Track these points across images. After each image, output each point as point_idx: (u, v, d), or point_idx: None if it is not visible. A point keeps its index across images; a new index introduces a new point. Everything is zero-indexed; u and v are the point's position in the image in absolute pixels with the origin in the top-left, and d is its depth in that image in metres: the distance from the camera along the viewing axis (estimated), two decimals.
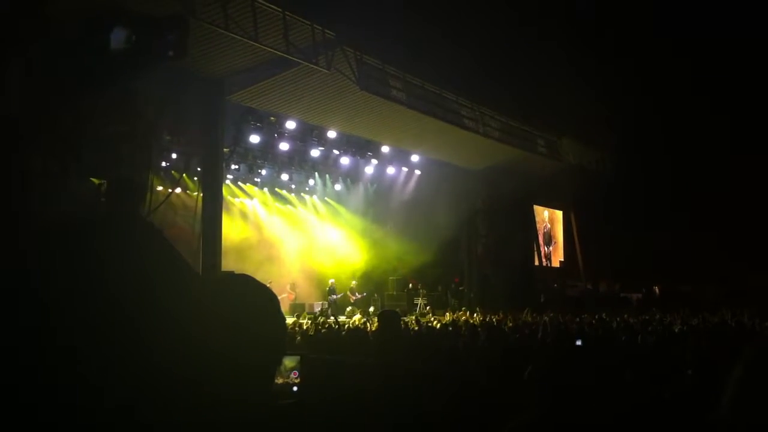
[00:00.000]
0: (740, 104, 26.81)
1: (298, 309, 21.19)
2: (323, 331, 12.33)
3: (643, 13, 25.19)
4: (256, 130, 20.05)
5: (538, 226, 30.42)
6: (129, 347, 1.43)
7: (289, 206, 25.18)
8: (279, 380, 5.49)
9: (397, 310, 11.25)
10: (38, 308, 1.39)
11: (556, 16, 23.76)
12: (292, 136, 21.24)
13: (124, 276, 1.52)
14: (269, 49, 15.10)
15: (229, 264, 18.54)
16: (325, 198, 26.10)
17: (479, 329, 10.85)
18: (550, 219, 31.31)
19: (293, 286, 22.67)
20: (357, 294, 23.86)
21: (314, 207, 26.09)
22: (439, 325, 14.31)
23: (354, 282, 24.20)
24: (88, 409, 1.41)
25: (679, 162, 28.57)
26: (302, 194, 25.76)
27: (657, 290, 28.29)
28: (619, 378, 5.03)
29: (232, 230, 21.10)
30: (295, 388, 5.53)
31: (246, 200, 23.80)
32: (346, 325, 14.40)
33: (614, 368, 5.45)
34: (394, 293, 24.95)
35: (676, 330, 11.45)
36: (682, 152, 28.40)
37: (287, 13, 14.89)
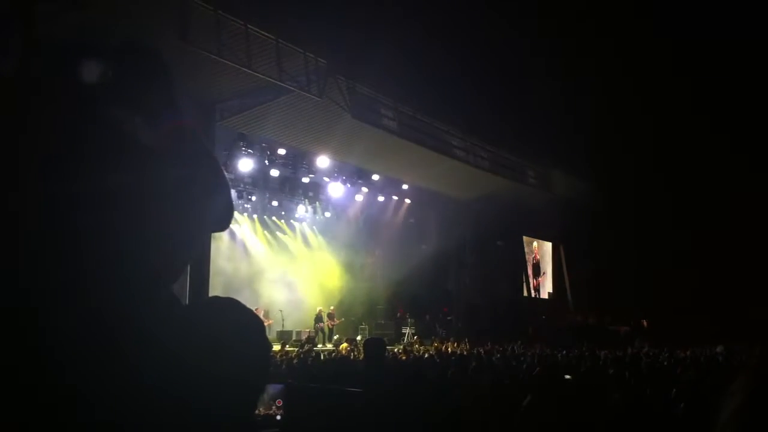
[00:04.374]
0: (738, 133, 26.86)
1: (284, 336, 21.01)
2: (309, 358, 12.22)
3: (638, 41, 25.41)
4: (247, 156, 20.05)
5: (527, 257, 30.44)
6: (108, 367, 1.39)
7: (278, 233, 25.10)
8: (262, 409, 5.41)
9: (385, 338, 11.17)
10: (17, 317, 1.36)
11: (548, 47, 24.01)
12: (282, 163, 21.27)
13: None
14: (262, 76, 15.17)
15: (215, 290, 18.40)
16: (315, 225, 26.04)
17: (467, 360, 10.77)
18: (539, 250, 31.34)
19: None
20: (335, 320, 23.57)
21: (303, 234, 26.01)
22: (426, 355, 14.22)
23: (332, 307, 23.94)
24: (68, 427, 1.37)
25: (669, 196, 28.71)
26: (292, 221, 25.70)
27: (645, 323, 28.24)
28: (609, 411, 4.99)
29: (219, 256, 20.98)
30: (278, 417, 5.45)
31: (235, 226, 23.69)
32: (333, 353, 14.29)
33: (602, 400, 5.41)
34: (382, 322, 24.81)
35: (665, 364, 11.41)
36: (672, 186, 28.56)
37: (280, 40, 15.00)
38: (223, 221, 1.75)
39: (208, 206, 1.67)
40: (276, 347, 15.96)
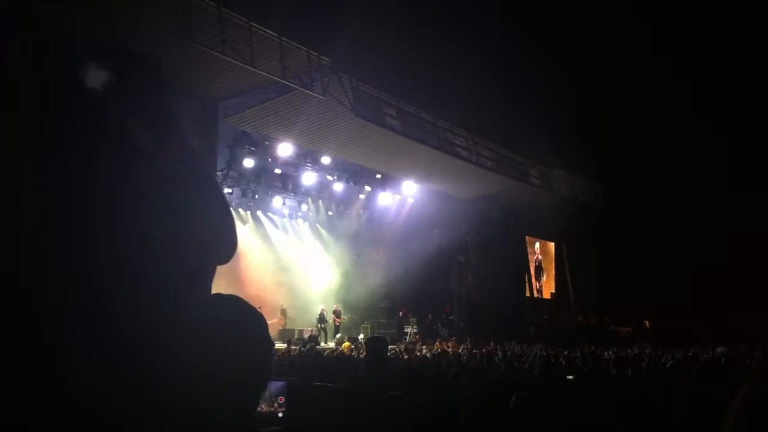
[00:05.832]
0: (738, 133, 26.78)
1: (287, 335, 21.02)
2: (311, 357, 12.23)
3: (641, 42, 25.34)
4: (250, 154, 20.04)
5: (529, 257, 30.36)
6: (107, 368, 1.38)
7: (280, 231, 25.08)
8: (265, 407, 5.41)
9: (387, 338, 11.15)
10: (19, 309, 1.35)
11: (552, 48, 23.98)
12: (285, 161, 21.27)
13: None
14: (265, 74, 15.15)
15: (218, 288, 18.35)
16: (317, 224, 26.01)
17: (469, 359, 10.77)
18: (541, 250, 31.26)
19: (283, 312, 22.45)
20: (342, 316, 23.63)
21: (306, 232, 25.99)
22: (428, 354, 14.23)
23: (336, 305, 23.97)
24: (72, 425, 1.36)
25: (672, 196, 28.65)
26: (294, 220, 25.67)
27: (647, 324, 28.22)
28: (610, 411, 4.98)
29: None
30: (281, 415, 5.45)
31: (237, 224, 23.58)
32: (335, 352, 14.30)
33: (605, 401, 5.40)
34: (384, 321, 24.80)
35: (667, 365, 11.39)
36: (676, 186, 28.50)
37: (283, 38, 14.98)
38: (226, 255, 1.75)
39: (210, 240, 1.66)
40: (278, 346, 15.97)
